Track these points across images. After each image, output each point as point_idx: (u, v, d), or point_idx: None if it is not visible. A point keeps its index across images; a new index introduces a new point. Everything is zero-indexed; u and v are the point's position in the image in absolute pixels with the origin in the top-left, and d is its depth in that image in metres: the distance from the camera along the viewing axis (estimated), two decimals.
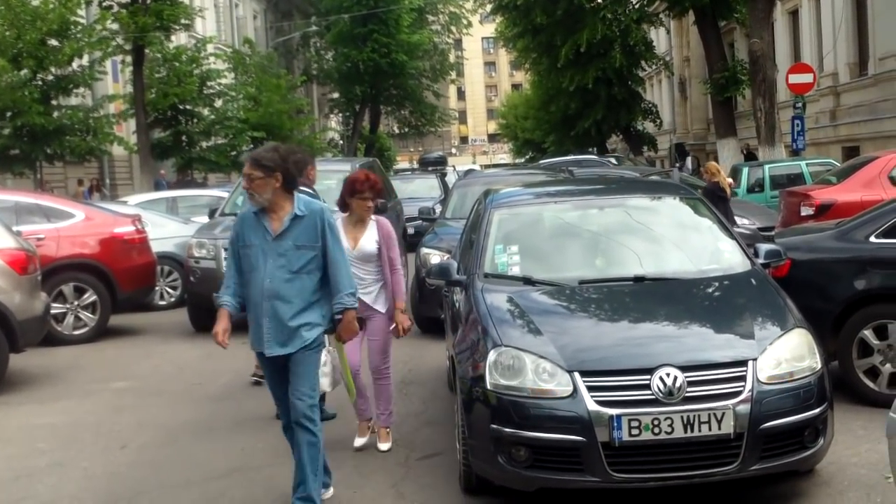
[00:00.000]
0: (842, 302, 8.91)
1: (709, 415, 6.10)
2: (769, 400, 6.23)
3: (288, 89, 40.92)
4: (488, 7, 47.55)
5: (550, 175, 17.64)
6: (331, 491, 7.24)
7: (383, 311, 8.21)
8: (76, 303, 14.22)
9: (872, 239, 8.98)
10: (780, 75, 29.90)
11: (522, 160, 73.63)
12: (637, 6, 40.81)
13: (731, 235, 8.17)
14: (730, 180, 17.13)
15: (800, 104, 29.00)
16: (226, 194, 18.69)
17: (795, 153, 28.08)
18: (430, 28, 60.62)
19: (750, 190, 23.58)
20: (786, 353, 6.49)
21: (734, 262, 7.80)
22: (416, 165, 47.99)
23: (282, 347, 6.62)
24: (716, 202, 15.83)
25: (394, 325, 8.22)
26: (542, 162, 34.32)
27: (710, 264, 7.82)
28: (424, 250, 13.58)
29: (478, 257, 7.98)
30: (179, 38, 37.40)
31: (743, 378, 6.26)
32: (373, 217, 8.23)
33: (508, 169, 32.61)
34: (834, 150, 31.18)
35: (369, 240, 8.16)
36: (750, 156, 32.47)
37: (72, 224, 14.55)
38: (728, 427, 6.11)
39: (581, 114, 43.25)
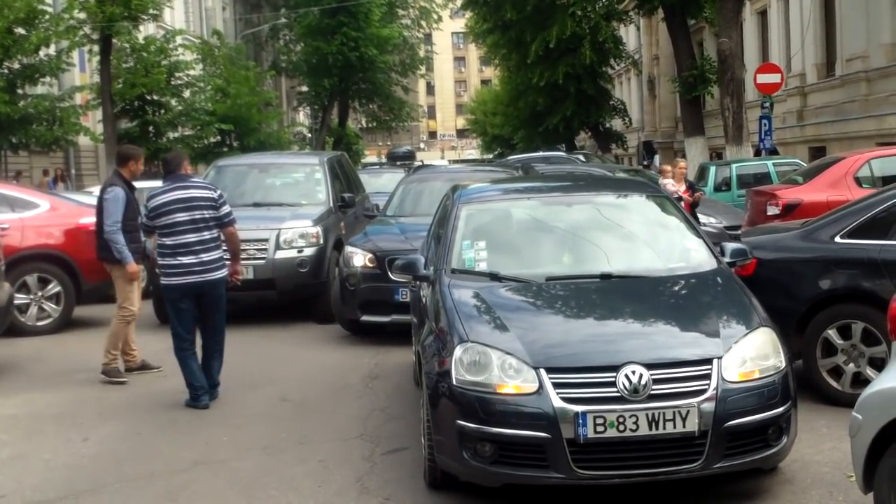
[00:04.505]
0: (806, 301, 8.96)
1: (673, 412, 6.13)
2: (734, 398, 6.26)
3: (256, 82, 40.73)
4: (458, 2, 47.52)
5: (506, 172, 17.44)
6: None
7: None
8: (40, 294, 14.09)
9: (838, 239, 9.03)
10: (749, 75, 30.02)
11: (491, 156, 73.65)
12: (606, 3, 40.93)
13: (698, 234, 8.20)
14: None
15: (767, 104, 29.16)
16: None
17: (771, 152, 28.25)
18: (400, 22, 60.45)
19: (717, 189, 23.67)
20: (751, 352, 6.53)
21: (700, 260, 7.83)
22: (384, 160, 47.92)
23: None
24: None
25: None
26: (509, 158, 34.31)
27: (676, 262, 7.85)
28: (348, 249, 13.16)
29: (445, 253, 7.97)
30: (147, 29, 37.17)
31: (708, 376, 6.29)
32: None
33: (470, 165, 32.54)
34: (801, 150, 31.36)
35: None
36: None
37: (36, 214, 14.42)
38: (692, 425, 6.13)
39: (550, 110, 43.31)
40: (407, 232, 12.93)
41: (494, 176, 14.66)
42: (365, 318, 12.58)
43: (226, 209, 9.83)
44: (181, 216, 9.64)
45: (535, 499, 6.67)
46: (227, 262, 10.00)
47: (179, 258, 9.63)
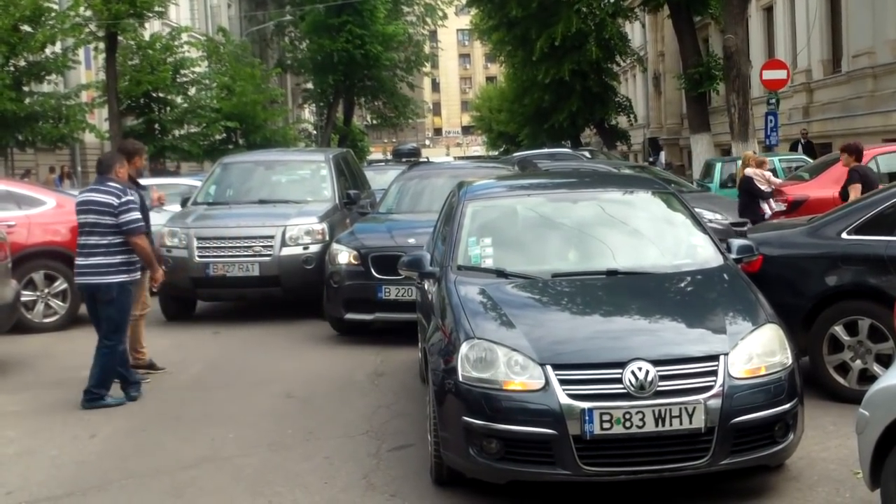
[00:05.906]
0: (813, 298, 8.94)
1: (680, 409, 6.12)
2: (740, 395, 6.25)
3: (262, 79, 40.75)
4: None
5: (505, 169, 17.20)
6: None
7: None
8: (46, 290, 14.10)
9: (844, 235, 9.01)
10: (754, 71, 30.01)
11: (496, 153, 73.58)
12: (612, 0, 40.88)
13: (704, 230, 8.19)
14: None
15: (773, 100, 29.15)
16: (198, 183, 18.61)
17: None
18: (405, 19, 60.45)
19: (723, 185, 23.65)
20: (757, 349, 6.51)
21: (707, 256, 7.81)
22: (389, 157, 47.85)
23: None
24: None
25: None
26: (514, 155, 34.25)
27: (682, 259, 7.83)
28: (334, 246, 12.98)
29: (451, 249, 7.96)
30: (153, 26, 37.20)
31: (714, 373, 6.28)
32: None
33: (470, 161, 32.46)
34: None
35: None
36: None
37: (43, 211, 14.43)
38: (699, 421, 6.12)
39: (555, 107, 43.22)
40: (395, 230, 12.83)
41: (492, 172, 14.53)
42: (349, 315, 12.51)
43: (126, 217, 9.76)
44: (81, 218, 9.96)
45: (541, 495, 6.66)
46: (126, 269, 9.92)
47: (77, 259, 10.01)
